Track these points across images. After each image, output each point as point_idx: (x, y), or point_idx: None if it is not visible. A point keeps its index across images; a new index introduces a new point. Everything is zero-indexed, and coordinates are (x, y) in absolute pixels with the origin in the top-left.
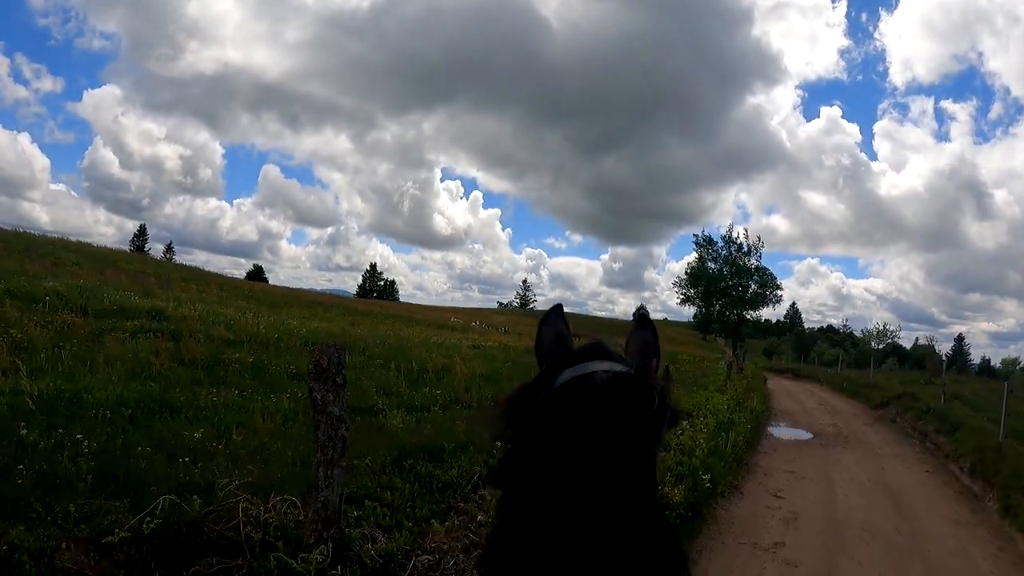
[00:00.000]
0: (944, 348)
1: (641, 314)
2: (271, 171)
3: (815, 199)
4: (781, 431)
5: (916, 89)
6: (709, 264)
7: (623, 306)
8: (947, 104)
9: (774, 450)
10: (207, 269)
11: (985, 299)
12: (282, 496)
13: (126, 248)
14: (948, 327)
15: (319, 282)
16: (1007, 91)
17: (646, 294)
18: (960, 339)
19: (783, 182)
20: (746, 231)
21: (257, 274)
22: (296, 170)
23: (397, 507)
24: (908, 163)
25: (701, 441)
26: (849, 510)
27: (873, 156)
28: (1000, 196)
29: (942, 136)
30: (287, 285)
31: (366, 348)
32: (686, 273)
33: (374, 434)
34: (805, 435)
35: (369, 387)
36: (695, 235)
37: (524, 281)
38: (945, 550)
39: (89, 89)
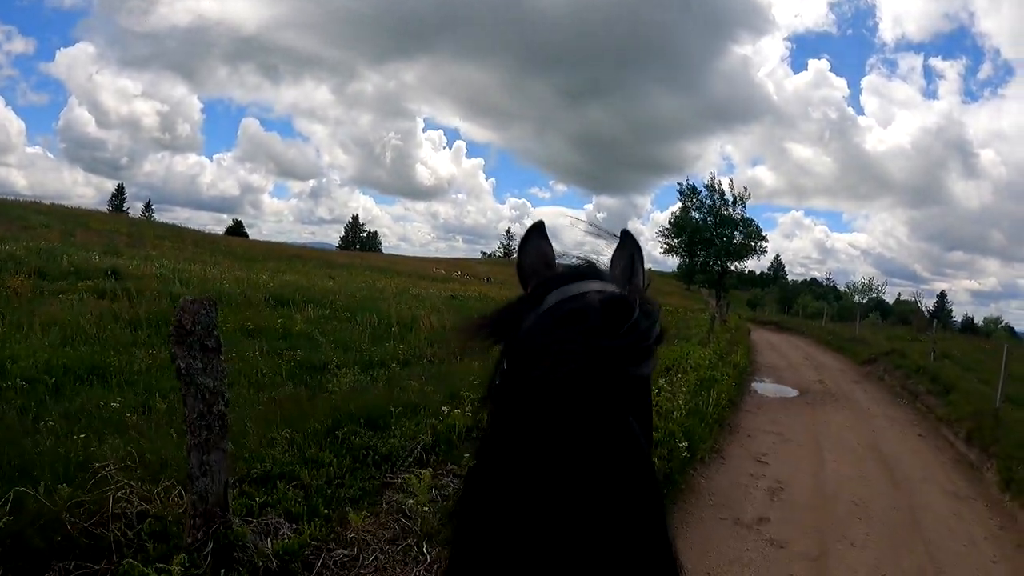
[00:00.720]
0: (926, 305)
1: (625, 232)
2: (251, 125)
3: (801, 152)
4: (765, 387)
5: (906, 46)
6: (693, 214)
7: (608, 256)
8: (936, 62)
9: (758, 408)
10: (188, 226)
11: (968, 257)
12: (174, 481)
13: (104, 209)
14: (930, 283)
15: (302, 235)
16: (997, 52)
17: None
18: (943, 296)
19: (769, 134)
20: (731, 181)
21: (237, 229)
22: (276, 123)
23: (316, 488)
24: (895, 119)
25: (680, 402)
26: (840, 481)
27: (860, 111)
28: (986, 156)
29: (930, 94)
30: (270, 239)
31: (333, 301)
32: (669, 223)
33: (317, 397)
34: (791, 392)
35: (328, 343)
36: (679, 184)
37: (508, 231)
38: (946, 529)
39: (62, 48)
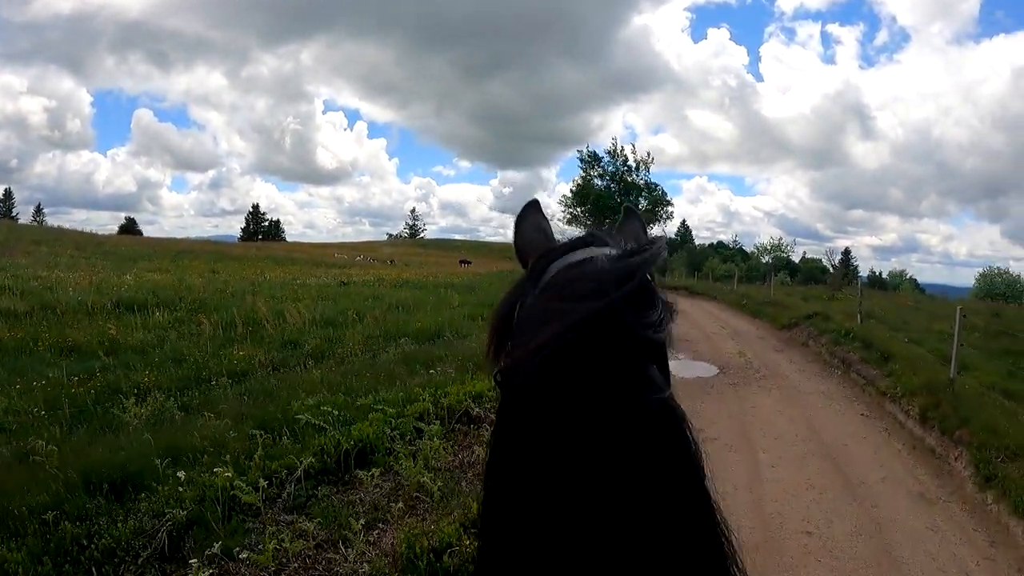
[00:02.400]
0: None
1: (627, 207)
2: (144, 116)
3: (703, 119)
4: (682, 366)
5: (803, 14)
6: (596, 181)
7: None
8: (834, 29)
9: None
10: (87, 228)
11: (867, 215)
12: None
13: None
14: (833, 241)
15: (205, 229)
16: (893, 19)
17: None
18: (847, 253)
19: (670, 102)
20: (633, 147)
21: (130, 228)
22: (170, 113)
23: None
24: (794, 85)
25: None
26: (785, 497)
27: (760, 78)
28: (884, 119)
29: (828, 59)
30: (173, 235)
31: (195, 300)
32: (571, 191)
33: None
34: (710, 370)
35: (152, 356)
36: (579, 151)
37: (412, 210)
38: (927, 556)
39: None
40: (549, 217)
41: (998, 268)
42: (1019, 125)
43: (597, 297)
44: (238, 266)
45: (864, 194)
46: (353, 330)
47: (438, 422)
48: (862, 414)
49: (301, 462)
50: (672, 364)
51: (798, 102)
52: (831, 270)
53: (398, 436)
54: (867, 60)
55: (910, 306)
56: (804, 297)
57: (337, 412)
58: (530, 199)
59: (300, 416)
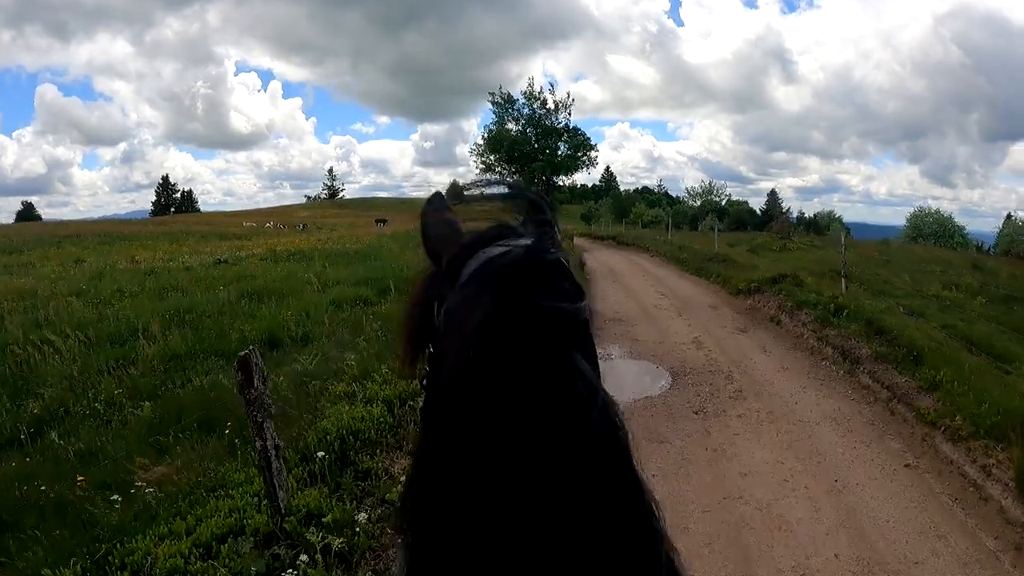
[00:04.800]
0: (757, 203)
1: (512, 184)
2: (47, 92)
3: (624, 65)
4: (616, 372)
5: None
6: (510, 126)
7: (438, 184)
8: None
9: None
10: None
11: (790, 157)
12: None
13: None
14: (755, 183)
15: (122, 205)
16: None
17: (460, 169)
18: (773, 195)
19: (590, 49)
20: (552, 87)
21: (28, 213)
22: (74, 86)
23: None
24: (716, 30)
25: None
26: None
27: (680, 23)
28: (805, 63)
29: (749, 4)
30: (89, 216)
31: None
32: (483, 138)
33: None
34: (657, 379)
35: None
36: (491, 94)
37: (330, 170)
38: None
39: None
40: (465, 168)
41: (927, 208)
42: (939, 71)
43: (519, 290)
44: (123, 248)
45: (786, 137)
46: (150, 348)
47: None
48: (906, 465)
49: None
50: (603, 366)
51: (720, 47)
52: (758, 213)
53: None
54: (788, 5)
55: (876, 258)
56: (751, 247)
57: None
58: (432, 194)
59: None
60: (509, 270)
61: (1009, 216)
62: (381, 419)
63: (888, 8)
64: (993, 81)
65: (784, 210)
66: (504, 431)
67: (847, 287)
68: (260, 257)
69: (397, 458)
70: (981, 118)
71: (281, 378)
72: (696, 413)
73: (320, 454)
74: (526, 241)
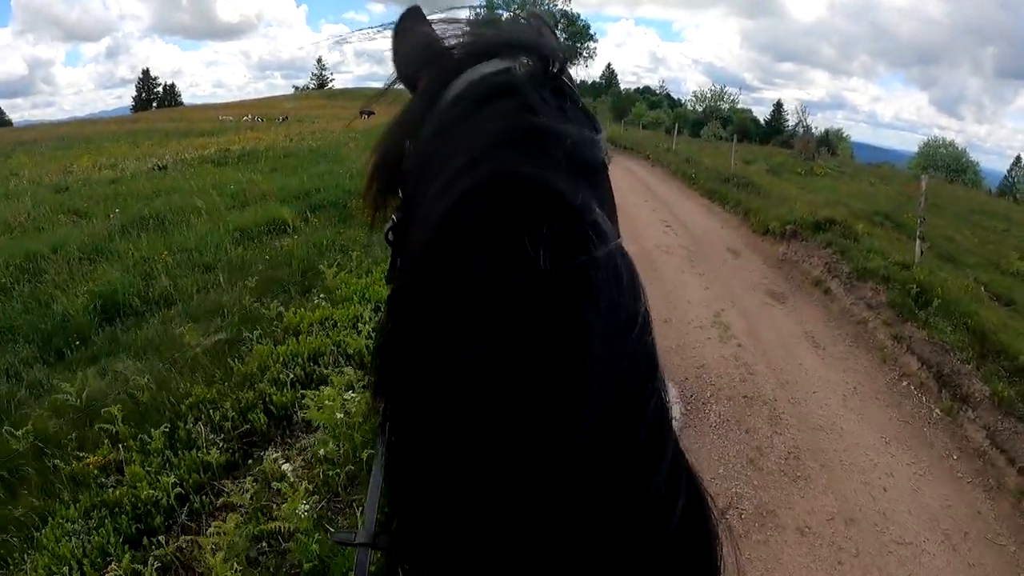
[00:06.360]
0: (760, 113)
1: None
2: None
3: None
4: None
5: None
6: (500, 11)
7: None
8: None
9: None
10: None
11: (797, 68)
12: None
13: None
14: (759, 92)
15: (108, 103)
16: None
17: None
18: (779, 106)
19: None
20: None
21: None
22: None
23: None
24: None
25: None
26: None
27: None
28: None
29: None
30: (75, 115)
31: None
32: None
33: None
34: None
35: None
36: None
37: (319, 60)
38: None
39: None
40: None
41: (940, 138)
42: None
43: (522, 115)
44: (76, 153)
45: (796, 47)
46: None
47: None
48: None
49: None
50: None
51: None
52: (762, 124)
53: None
54: None
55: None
56: (770, 167)
57: None
58: (408, 8)
59: None
60: (506, 91)
61: (1019, 159)
62: None
63: None
64: (1018, 17)
65: (807, 126)
66: (500, 331)
67: (922, 253)
68: (208, 160)
69: None
70: (998, 53)
71: None
72: (723, 517)
73: None
74: (526, 59)
